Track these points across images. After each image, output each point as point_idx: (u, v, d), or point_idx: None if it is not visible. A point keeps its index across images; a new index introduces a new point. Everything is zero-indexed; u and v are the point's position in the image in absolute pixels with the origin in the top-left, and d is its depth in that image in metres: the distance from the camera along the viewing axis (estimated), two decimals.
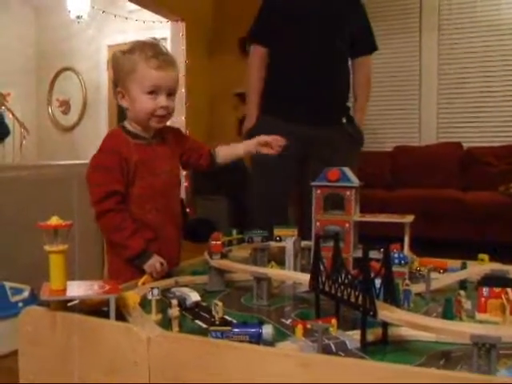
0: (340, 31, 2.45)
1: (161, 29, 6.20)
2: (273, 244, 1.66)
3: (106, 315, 1.07)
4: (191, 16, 5.54)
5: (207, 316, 1.17)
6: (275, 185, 2.46)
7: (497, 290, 1.15)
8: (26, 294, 2.19)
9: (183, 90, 5.53)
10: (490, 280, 1.19)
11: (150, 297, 1.14)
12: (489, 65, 4.93)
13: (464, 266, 1.55)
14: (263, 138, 1.74)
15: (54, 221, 1.08)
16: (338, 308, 1.13)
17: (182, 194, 5.28)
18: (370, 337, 1.00)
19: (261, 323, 0.99)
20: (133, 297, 1.17)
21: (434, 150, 4.95)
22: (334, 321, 1.04)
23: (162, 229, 1.60)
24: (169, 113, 1.58)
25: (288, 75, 2.44)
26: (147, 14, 5.89)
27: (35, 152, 7.49)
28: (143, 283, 1.37)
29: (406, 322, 0.95)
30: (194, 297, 1.24)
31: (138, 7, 5.64)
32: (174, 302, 1.08)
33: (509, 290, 1.12)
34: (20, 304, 2.13)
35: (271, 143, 1.72)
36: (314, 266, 1.17)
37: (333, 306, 1.14)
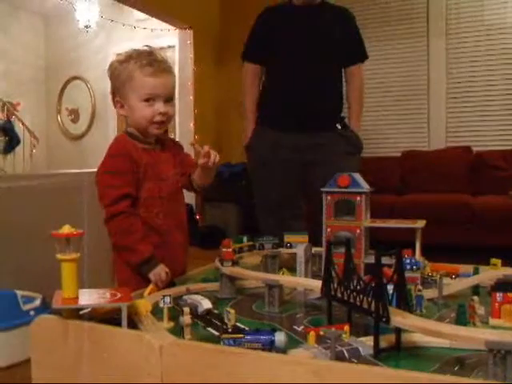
0: (329, 44, 2.54)
1: (168, 37, 6.24)
2: (283, 251, 1.65)
3: (117, 323, 1.07)
4: (199, 24, 5.57)
5: (219, 323, 1.16)
6: (273, 190, 2.53)
7: (511, 295, 1.14)
8: (37, 302, 2.19)
9: (191, 97, 5.55)
10: (503, 285, 1.18)
11: (161, 305, 1.14)
12: (497, 68, 4.91)
13: (476, 272, 1.54)
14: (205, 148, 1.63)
15: (66, 229, 1.08)
16: (350, 314, 1.12)
17: (192, 201, 5.29)
18: (383, 343, 0.99)
19: (273, 330, 0.99)
20: (144, 305, 1.17)
21: (443, 154, 4.92)
22: (346, 327, 1.03)
23: (169, 234, 1.60)
24: (167, 119, 1.58)
25: (281, 88, 2.54)
26: (155, 23, 5.92)
27: (45, 161, 7.53)
28: (149, 294, 1.37)
29: (419, 328, 0.95)
30: (206, 304, 1.24)
31: (146, 16, 5.68)
32: (186, 309, 1.08)
33: None
34: (32, 312, 2.13)
35: (209, 153, 1.62)
36: (325, 272, 1.17)
37: (345, 313, 1.14)
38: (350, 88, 2.66)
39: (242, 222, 5.16)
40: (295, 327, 1.16)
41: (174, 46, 6.34)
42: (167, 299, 1.14)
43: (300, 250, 1.47)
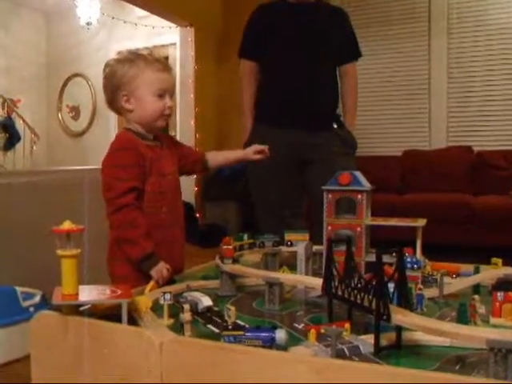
0: (325, 42, 2.55)
1: (170, 34, 6.23)
2: (284, 249, 1.65)
3: (117, 320, 1.06)
4: (200, 21, 5.57)
5: (219, 321, 1.16)
6: (272, 189, 2.54)
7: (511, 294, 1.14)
8: (37, 298, 2.19)
9: (192, 95, 5.55)
10: (504, 284, 1.18)
11: (162, 301, 1.14)
12: (498, 68, 4.90)
13: (477, 271, 1.53)
14: (257, 146, 1.87)
15: (67, 225, 1.08)
16: (350, 312, 1.12)
17: (192, 200, 5.29)
18: (384, 341, 0.99)
19: (274, 328, 0.98)
20: (145, 301, 1.17)
21: (443, 153, 4.92)
22: (347, 325, 1.03)
23: (170, 229, 1.62)
24: (171, 112, 1.65)
25: (278, 85, 2.54)
26: (156, 20, 5.91)
27: (45, 158, 7.53)
28: (150, 290, 1.37)
29: (420, 327, 0.94)
30: (206, 301, 1.24)
31: (147, 13, 5.68)
32: (186, 306, 1.08)
33: None
34: (31, 309, 2.13)
35: (264, 150, 1.87)
36: (326, 270, 1.16)
37: (345, 311, 1.14)
38: (345, 86, 2.67)
39: (242, 220, 5.16)
40: (296, 325, 1.16)
41: (175, 44, 6.34)
42: (167, 296, 1.13)
43: (301, 248, 1.46)
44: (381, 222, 1.50)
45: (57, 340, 1.09)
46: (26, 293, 2.19)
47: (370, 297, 1.00)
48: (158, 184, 1.59)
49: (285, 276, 1.38)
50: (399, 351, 0.99)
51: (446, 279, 1.42)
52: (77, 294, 1.09)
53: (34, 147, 6.84)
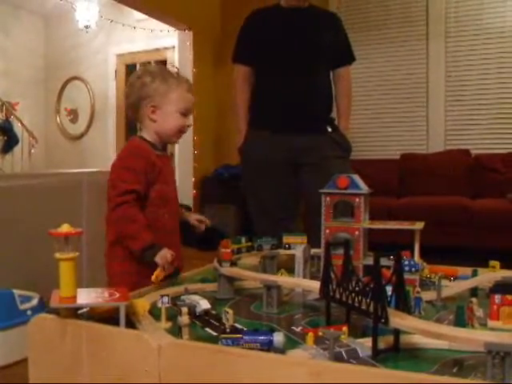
0: (318, 47, 2.56)
1: (168, 37, 6.25)
2: (282, 252, 1.65)
3: (115, 323, 1.06)
4: (198, 25, 5.57)
5: (217, 324, 1.16)
6: (267, 193, 2.55)
7: (509, 297, 1.14)
8: (34, 301, 2.19)
9: None
10: (501, 287, 1.18)
11: (159, 304, 1.14)
12: (496, 72, 4.91)
13: (475, 274, 1.54)
14: (198, 216, 1.92)
15: (65, 228, 1.08)
16: (348, 315, 1.12)
17: (190, 202, 5.28)
18: (382, 344, 0.99)
19: (272, 331, 0.98)
20: (142, 304, 1.17)
21: (441, 157, 4.93)
22: (345, 328, 1.03)
23: (171, 234, 1.71)
24: (187, 131, 1.82)
25: (271, 90, 2.55)
26: (155, 23, 5.92)
27: (44, 161, 7.52)
28: (156, 277, 1.39)
29: (418, 330, 0.95)
30: (204, 304, 1.24)
31: (146, 16, 5.68)
32: (184, 309, 1.08)
33: None
34: (29, 312, 2.13)
35: (204, 221, 1.91)
36: (324, 273, 1.17)
37: (343, 314, 1.14)
38: (339, 90, 2.68)
39: (241, 223, 5.16)
40: (293, 328, 1.16)
41: (173, 47, 6.35)
42: (165, 299, 1.13)
43: (299, 251, 1.47)
44: (379, 225, 1.50)
45: (55, 343, 1.09)
46: (24, 296, 2.19)
47: (368, 300, 1.00)
48: (163, 191, 1.69)
49: (283, 279, 1.38)
50: (397, 354, 0.99)
51: (444, 282, 1.43)
52: (75, 297, 1.09)
53: (33, 150, 6.83)
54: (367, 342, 0.99)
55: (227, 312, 1.09)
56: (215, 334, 1.10)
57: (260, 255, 1.64)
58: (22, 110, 7.11)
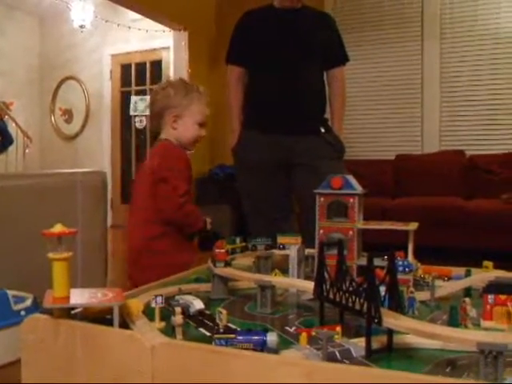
0: (310, 47, 2.57)
1: (163, 38, 6.24)
2: (276, 252, 1.65)
3: (109, 323, 1.06)
4: (194, 25, 5.57)
5: (211, 324, 1.16)
6: (260, 193, 2.57)
7: (502, 297, 1.14)
8: (28, 302, 2.18)
9: None
10: (495, 287, 1.18)
11: (153, 304, 1.14)
12: (491, 72, 4.93)
13: (468, 274, 1.54)
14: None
15: (58, 228, 1.08)
16: (342, 316, 1.12)
17: None
18: (375, 344, 0.99)
19: (265, 331, 0.98)
20: (136, 304, 1.16)
21: (436, 158, 4.95)
22: (338, 328, 1.03)
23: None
24: (201, 141, 2.09)
25: (264, 90, 2.56)
26: (150, 23, 5.91)
27: (38, 161, 7.51)
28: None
29: (411, 330, 0.95)
30: (198, 304, 1.24)
31: (141, 16, 5.68)
32: (178, 309, 1.07)
33: None
34: (22, 312, 2.12)
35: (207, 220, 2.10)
36: (318, 273, 1.17)
37: (337, 314, 1.14)
38: (333, 91, 2.68)
39: (236, 224, 5.16)
40: (287, 328, 1.16)
41: (168, 47, 6.34)
42: (159, 299, 1.13)
43: (293, 252, 1.47)
44: (373, 225, 1.50)
45: (48, 343, 1.08)
46: (18, 296, 2.18)
47: (362, 300, 1.00)
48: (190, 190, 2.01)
49: (277, 279, 1.38)
50: (390, 354, 0.99)
51: (438, 282, 1.43)
52: (68, 297, 1.08)
53: (27, 150, 6.81)
54: (361, 342, 1.00)
55: (221, 312, 1.09)
56: (209, 334, 1.10)
57: (254, 255, 1.63)
58: (16, 109, 7.09)
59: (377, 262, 1.15)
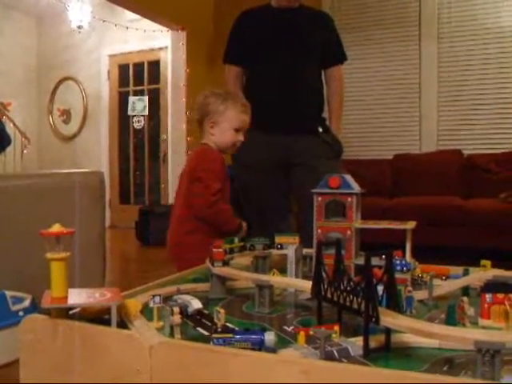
0: (308, 46, 2.57)
1: (161, 38, 6.24)
2: (274, 251, 1.65)
3: (107, 323, 1.06)
4: (192, 25, 5.57)
5: (209, 323, 1.16)
6: (258, 193, 2.58)
7: (500, 296, 1.14)
8: (26, 302, 2.18)
9: (184, 99, 5.55)
10: (492, 286, 1.18)
11: (151, 304, 1.14)
12: (488, 72, 4.94)
13: (466, 273, 1.54)
14: None
15: (56, 228, 1.08)
16: (340, 315, 1.13)
17: None
18: (373, 343, 0.99)
19: (263, 330, 0.98)
20: (134, 304, 1.17)
21: (434, 157, 4.95)
22: (336, 327, 1.03)
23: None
24: (239, 145, 2.15)
25: (262, 90, 2.56)
26: (148, 23, 5.91)
27: (36, 161, 7.50)
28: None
29: (409, 329, 0.95)
30: (196, 304, 1.24)
31: (139, 16, 5.68)
32: (176, 309, 1.07)
33: None
34: (21, 313, 2.12)
35: None
36: (316, 272, 1.17)
37: (335, 313, 1.14)
38: (331, 90, 2.69)
39: None
40: (285, 327, 1.16)
41: (166, 47, 6.34)
42: (157, 299, 1.13)
43: (291, 251, 1.47)
44: (371, 224, 1.50)
45: (46, 344, 1.08)
46: (16, 297, 2.18)
47: (359, 299, 1.00)
48: (227, 187, 2.12)
49: (275, 279, 1.38)
50: (388, 353, 0.99)
51: (436, 281, 1.43)
52: (66, 298, 1.08)
53: (25, 150, 6.81)
54: (358, 341, 1.00)
55: (219, 311, 1.09)
56: (207, 333, 1.10)
57: (252, 255, 1.64)
58: (14, 110, 7.09)
59: (374, 261, 1.16)
